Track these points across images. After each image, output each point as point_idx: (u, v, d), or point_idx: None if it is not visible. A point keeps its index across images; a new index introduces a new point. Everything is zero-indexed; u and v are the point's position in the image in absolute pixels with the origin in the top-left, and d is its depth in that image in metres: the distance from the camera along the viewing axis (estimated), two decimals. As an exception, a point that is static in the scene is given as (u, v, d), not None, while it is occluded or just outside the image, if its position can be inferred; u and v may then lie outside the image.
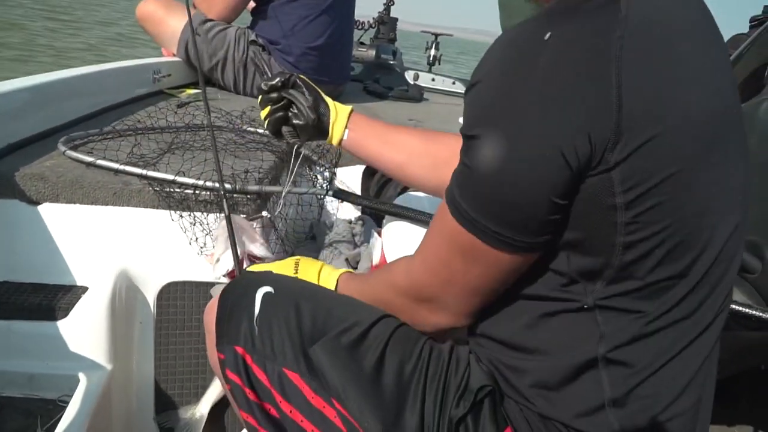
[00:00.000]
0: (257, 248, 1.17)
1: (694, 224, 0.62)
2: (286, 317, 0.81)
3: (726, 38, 2.32)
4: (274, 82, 1.13)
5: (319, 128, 1.14)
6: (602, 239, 0.62)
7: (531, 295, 0.70)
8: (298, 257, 1.04)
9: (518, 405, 0.73)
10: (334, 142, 1.15)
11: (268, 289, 0.85)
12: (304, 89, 1.14)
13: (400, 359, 0.76)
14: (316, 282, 0.97)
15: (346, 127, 1.14)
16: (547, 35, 0.58)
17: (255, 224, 1.24)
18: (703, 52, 0.65)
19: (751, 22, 1.92)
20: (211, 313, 0.89)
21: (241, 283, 0.90)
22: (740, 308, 0.98)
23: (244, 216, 1.21)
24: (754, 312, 0.97)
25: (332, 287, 0.96)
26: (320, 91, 1.19)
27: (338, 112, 1.15)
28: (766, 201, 1.07)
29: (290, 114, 1.13)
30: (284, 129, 1.14)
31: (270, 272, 0.94)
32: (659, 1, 0.64)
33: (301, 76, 1.18)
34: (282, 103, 1.13)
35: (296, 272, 1.00)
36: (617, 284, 0.64)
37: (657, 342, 0.66)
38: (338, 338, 0.78)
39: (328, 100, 1.18)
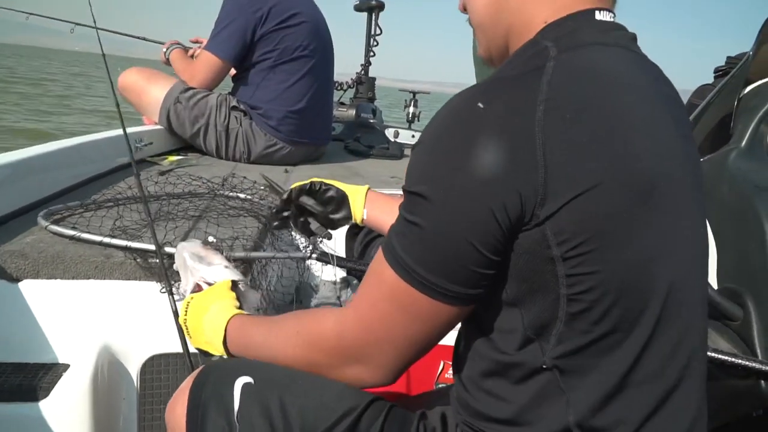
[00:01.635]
0: (213, 274, 1.07)
1: (633, 278, 0.63)
2: (269, 414, 0.76)
3: (693, 88, 2.38)
4: (279, 208, 1.26)
5: (340, 219, 1.26)
6: (547, 292, 0.63)
7: (497, 361, 0.70)
8: (191, 296, 0.99)
9: None
10: (357, 221, 1.25)
11: (247, 379, 0.79)
12: (312, 199, 1.25)
13: None
14: (201, 331, 0.93)
15: (364, 207, 1.24)
16: (480, 104, 0.63)
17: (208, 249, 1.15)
18: (646, 107, 0.67)
19: (715, 72, 1.98)
20: (178, 408, 0.82)
21: (213, 373, 0.83)
22: (726, 357, 0.98)
23: (202, 245, 1.14)
24: (739, 361, 0.97)
25: (220, 335, 0.90)
26: (330, 183, 1.28)
27: (356, 197, 1.25)
28: (740, 248, 1.09)
29: (309, 214, 1.26)
30: (314, 227, 1.26)
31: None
32: (593, 59, 0.67)
33: (298, 184, 1.26)
34: (295, 213, 1.26)
35: (185, 316, 0.96)
36: (568, 341, 0.64)
37: (627, 406, 0.65)
38: None
39: (341, 185, 1.27)
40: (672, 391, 0.67)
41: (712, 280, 1.09)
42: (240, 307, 0.98)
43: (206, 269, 1.07)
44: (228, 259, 1.12)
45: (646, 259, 0.63)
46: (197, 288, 1.06)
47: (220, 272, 1.06)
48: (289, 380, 0.79)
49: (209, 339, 0.91)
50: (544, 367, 0.66)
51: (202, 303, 0.97)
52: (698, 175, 0.73)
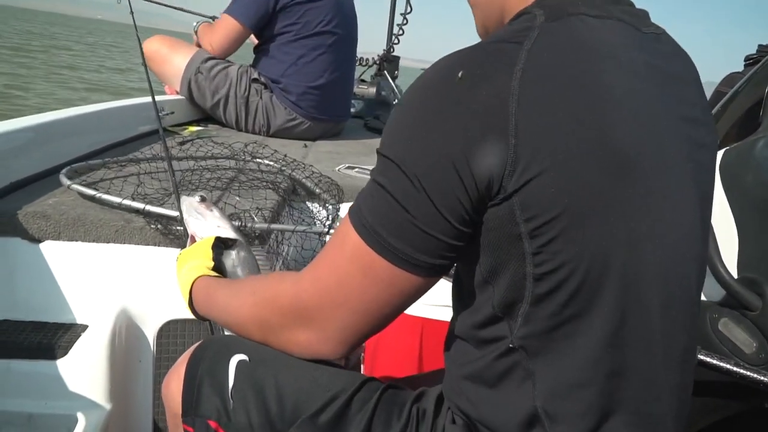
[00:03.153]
0: (203, 229, 1.06)
1: (602, 260, 0.61)
2: (263, 392, 0.76)
3: (722, 77, 2.34)
4: None
5: None
6: (514, 270, 0.62)
7: (472, 340, 0.69)
8: (180, 251, 0.99)
9: None
10: None
11: (242, 357, 0.79)
12: None
13: (389, 429, 0.73)
14: (178, 282, 0.94)
15: None
16: (460, 73, 0.62)
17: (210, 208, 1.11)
18: (633, 82, 0.65)
19: (745, 60, 1.94)
20: (174, 382, 0.83)
21: (210, 350, 0.83)
22: (739, 370, 0.97)
23: (199, 200, 1.10)
24: (762, 378, 0.95)
25: (186, 296, 0.91)
26: None
27: None
28: (763, 238, 1.07)
29: None
30: None
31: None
32: (581, 30, 0.65)
33: None
34: None
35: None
36: (534, 321, 0.63)
37: (586, 400, 0.64)
38: (315, 419, 0.73)
39: None
40: (649, 385, 0.65)
41: (732, 269, 1.08)
42: (220, 268, 0.98)
43: (197, 223, 1.06)
44: (230, 220, 1.09)
45: (617, 241, 0.61)
46: (191, 241, 1.06)
47: (209, 228, 1.04)
48: (284, 359, 0.78)
49: (182, 298, 0.93)
50: (511, 346, 0.65)
51: (183, 260, 0.98)
52: (697, 160, 0.70)
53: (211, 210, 1.08)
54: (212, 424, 0.78)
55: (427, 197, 0.62)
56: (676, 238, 0.66)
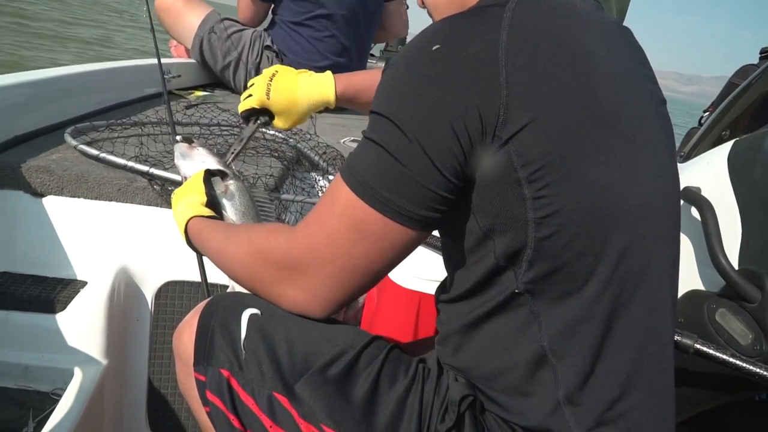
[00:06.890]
0: (190, 168, 1.06)
1: (596, 202, 0.65)
2: (274, 343, 0.78)
3: (735, 68, 2.33)
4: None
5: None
6: (516, 217, 0.65)
7: (472, 294, 0.72)
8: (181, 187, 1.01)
9: (492, 414, 0.73)
10: (330, 103, 1.24)
11: (254, 310, 0.80)
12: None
13: (396, 384, 0.75)
14: (174, 211, 0.96)
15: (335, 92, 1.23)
16: (450, 31, 0.66)
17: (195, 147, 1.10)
18: (608, 43, 0.71)
19: (761, 53, 1.92)
20: (186, 333, 0.85)
21: (222, 303, 0.85)
22: (734, 361, 0.97)
23: (180, 140, 1.09)
24: (757, 369, 0.95)
25: (182, 229, 0.93)
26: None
27: (319, 81, 1.26)
28: (767, 232, 1.07)
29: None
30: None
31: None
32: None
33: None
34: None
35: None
36: (539, 265, 0.66)
37: (590, 335, 0.67)
38: (324, 372, 0.75)
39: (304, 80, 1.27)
40: (642, 322, 0.69)
41: (734, 260, 1.08)
42: (213, 202, 0.98)
43: (185, 165, 1.06)
44: (214, 153, 1.09)
45: (608, 184, 0.65)
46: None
47: (196, 167, 1.04)
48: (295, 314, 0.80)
49: (180, 234, 0.95)
50: (516, 291, 0.67)
51: (176, 198, 0.99)
52: (663, 114, 0.76)
53: (197, 149, 1.08)
54: (224, 373, 0.79)
55: (421, 149, 0.64)
56: (659, 181, 0.71)
